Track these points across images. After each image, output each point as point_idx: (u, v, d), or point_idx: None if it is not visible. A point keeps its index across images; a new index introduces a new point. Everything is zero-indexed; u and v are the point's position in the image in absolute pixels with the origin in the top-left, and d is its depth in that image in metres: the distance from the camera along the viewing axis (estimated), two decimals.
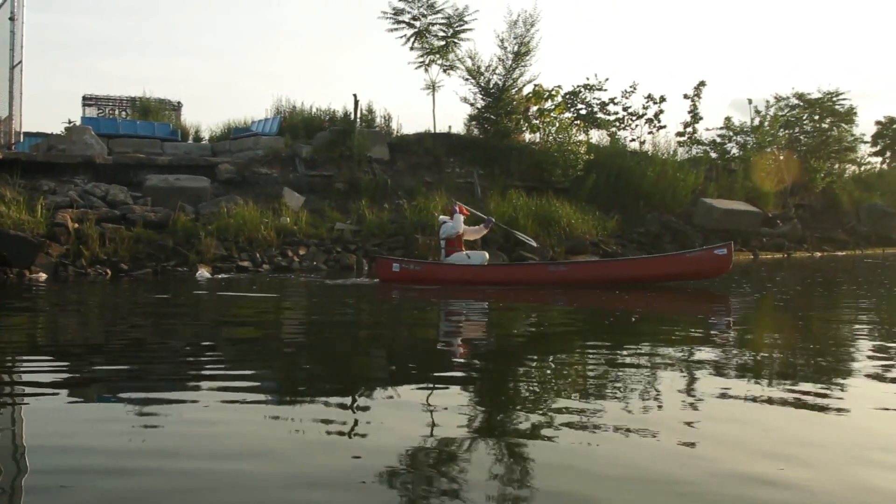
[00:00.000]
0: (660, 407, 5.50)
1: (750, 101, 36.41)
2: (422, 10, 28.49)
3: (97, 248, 17.36)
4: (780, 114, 37.53)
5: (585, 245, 22.88)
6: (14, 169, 19.86)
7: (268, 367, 7.42)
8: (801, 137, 39.13)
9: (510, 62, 28.64)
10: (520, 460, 4.39)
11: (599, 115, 33.11)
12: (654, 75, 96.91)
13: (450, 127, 29.90)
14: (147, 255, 17.92)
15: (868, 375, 6.57)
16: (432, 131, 28.70)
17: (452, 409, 5.47)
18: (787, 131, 38.11)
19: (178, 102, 31.35)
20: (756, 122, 35.71)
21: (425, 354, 8.24)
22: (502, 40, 28.66)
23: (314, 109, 28.94)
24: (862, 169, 43.56)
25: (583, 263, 18.07)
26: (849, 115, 40.19)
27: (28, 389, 6.20)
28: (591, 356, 7.84)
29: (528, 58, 28.69)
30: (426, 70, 29.39)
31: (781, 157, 35.71)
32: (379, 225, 21.71)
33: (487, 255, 16.16)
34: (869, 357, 7.56)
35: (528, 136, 29.98)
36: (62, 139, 23.75)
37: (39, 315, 11.48)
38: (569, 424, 5.04)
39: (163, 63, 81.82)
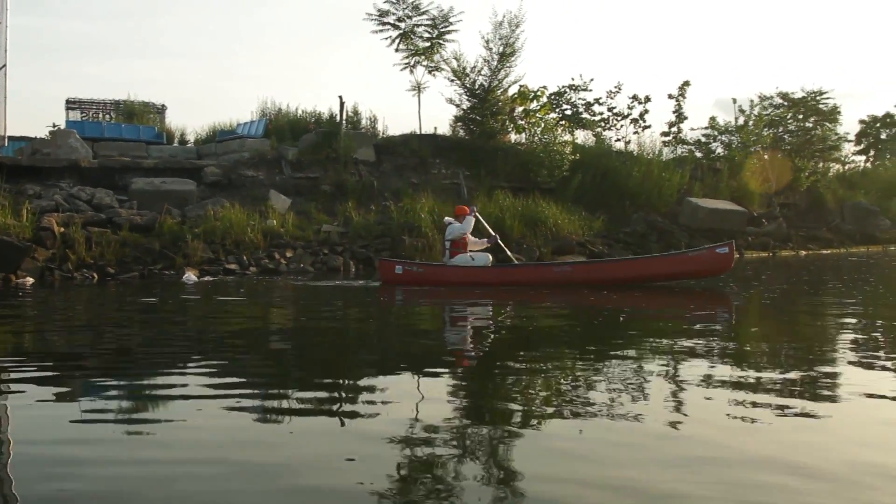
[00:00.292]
0: (648, 405, 5.52)
1: (734, 101, 36.56)
2: (407, 11, 28.59)
3: (83, 252, 17.31)
4: (764, 113, 37.69)
5: (572, 245, 22.93)
6: None
7: (259, 368, 7.42)
8: (786, 137, 39.33)
9: (495, 63, 28.72)
10: (510, 457, 4.42)
11: (584, 115, 33.24)
12: (638, 75, 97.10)
13: (435, 128, 29.99)
14: (134, 258, 17.88)
15: (855, 373, 6.62)
16: (418, 133, 28.72)
17: (443, 406, 5.49)
18: (771, 130, 38.29)
19: (163, 105, 31.21)
20: (741, 121, 35.85)
21: (417, 353, 8.25)
22: (487, 41, 28.77)
23: (300, 111, 28.95)
24: (846, 168, 43.85)
25: (587, 264, 18.15)
26: (832, 115, 40.46)
27: (14, 393, 6.19)
28: (580, 355, 7.86)
29: (513, 59, 28.82)
30: (411, 71, 29.48)
31: (766, 157, 35.88)
32: (365, 226, 21.71)
33: (490, 256, 16.14)
34: (855, 354, 7.60)
35: (513, 137, 30.06)
36: (47, 143, 23.65)
37: (26, 320, 11.44)
38: (557, 422, 5.10)
39: (147, 66, 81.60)
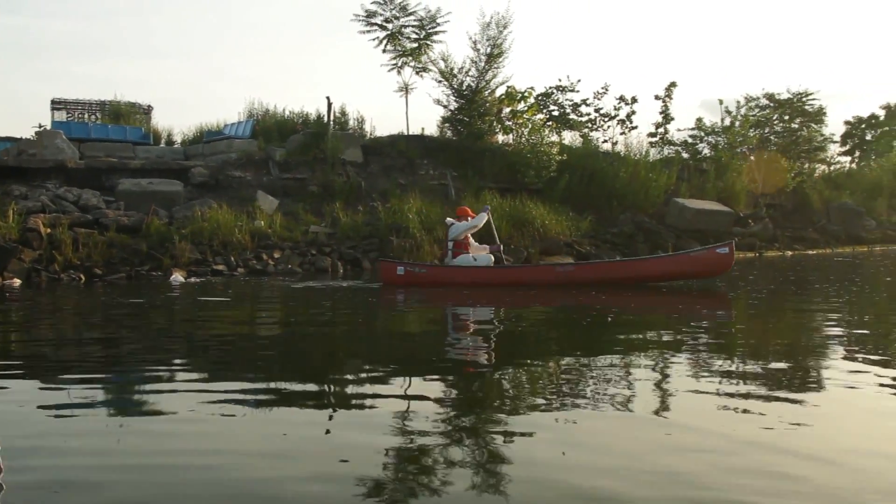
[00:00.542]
0: (638, 402, 5.55)
1: (721, 102, 36.70)
2: (394, 12, 28.54)
3: (70, 254, 17.25)
4: (750, 114, 37.83)
5: (559, 246, 22.96)
6: None
7: (254, 368, 7.42)
8: (772, 137, 39.49)
9: (483, 64, 28.73)
10: (500, 455, 4.43)
11: (572, 116, 33.34)
12: (625, 77, 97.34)
13: (423, 129, 30.01)
14: (121, 259, 17.83)
15: (841, 370, 6.65)
16: (405, 133, 28.73)
17: (433, 407, 5.51)
18: (757, 131, 38.43)
19: (149, 106, 31.05)
20: (727, 122, 35.98)
21: (410, 354, 8.26)
22: (475, 42, 28.79)
23: (287, 112, 28.94)
24: (832, 168, 44.06)
25: (590, 264, 18.25)
26: (818, 116, 40.66)
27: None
28: (570, 355, 7.88)
29: (500, 59, 28.82)
30: (399, 72, 29.46)
31: (752, 158, 36.03)
32: (353, 227, 21.71)
33: (493, 257, 16.15)
34: (841, 351, 7.64)
35: (501, 138, 30.10)
36: (33, 144, 23.54)
37: (11, 322, 11.40)
38: (548, 421, 5.10)
39: (132, 66, 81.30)
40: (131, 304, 13.04)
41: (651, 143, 34.21)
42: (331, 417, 5.42)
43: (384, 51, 29.07)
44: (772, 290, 15.19)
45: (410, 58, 28.96)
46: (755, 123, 38.30)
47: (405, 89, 29.62)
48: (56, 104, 29.92)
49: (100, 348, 8.88)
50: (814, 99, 40.62)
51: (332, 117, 26.65)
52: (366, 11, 28.51)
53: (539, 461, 4.35)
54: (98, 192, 20.63)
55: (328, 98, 26.37)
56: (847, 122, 53.16)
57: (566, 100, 33.53)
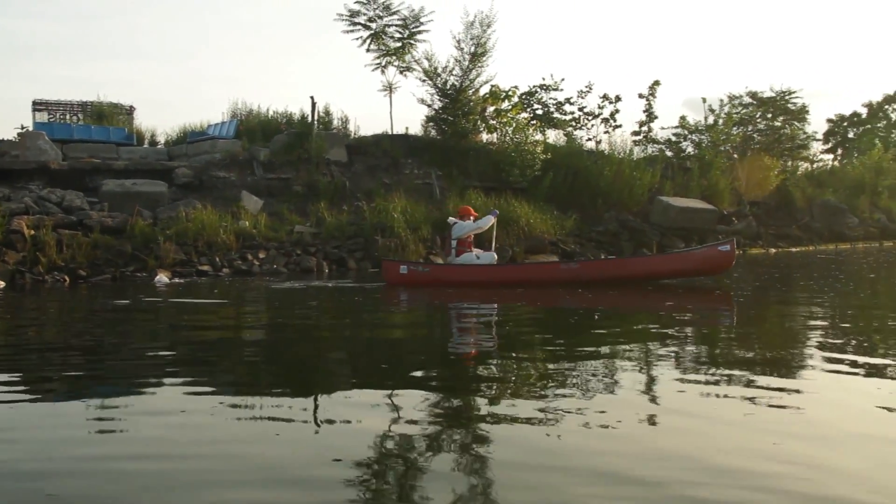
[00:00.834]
0: (622, 400, 5.58)
1: (704, 100, 36.84)
2: (378, 11, 28.47)
3: (54, 255, 17.18)
4: (733, 112, 37.96)
5: (544, 244, 23.00)
6: None
7: (248, 369, 7.41)
8: (755, 136, 39.63)
9: (467, 63, 28.66)
10: (484, 454, 4.45)
11: (556, 115, 33.38)
12: (609, 75, 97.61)
13: (407, 128, 29.95)
14: (105, 260, 17.77)
15: (825, 368, 6.70)
16: (390, 133, 28.70)
17: (420, 406, 5.53)
18: (740, 130, 38.56)
19: (131, 106, 30.88)
20: (710, 120, 36.12)
21: (395, 354, 8.26)
22: (459, 41, 28.71)
23: (271, 112, 28.82)
24: (814, 166, 44.25)
25: (594, 262, 18.44)
26: (801, 114, 40.84)
27: None
28: (556, 352, 7.90)
29: (484, 58, 28.73)
30: (383, 72, 29.39)
31: (736, 156, 36.18)
32: (338, 227, 21.68)
33: (496, 255, 16.14)
34: (826, 350, 7.69)
35: (485, 137, 30.07)
36: (15, 145, 23.43)
37: None
38: (533, 419, 5.14)
39: (114, 67, 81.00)
40: (116, 306, 12.98)
41: (635, 141, 34.33)
42: (323, 414, 5.42)
43: (368, 50, 29.02)
44: (757, 287, 15.26)
45: (394, 57, 28.89)
46: (738, 122, 38.45)
47: (389, 89, 29.58)
48: (38, 105, 29.72)
49: (85, 350, 8.85)
50: (797, 97, 40.85)
51: (316, 117, 26.58)
52: (349, 11, 28.45)
53: (529, 450, 4.38)
54: (82, 193, 20.53)
55: (312, 98, 26.34)
56: (829, 120, 53.50)
57: (550, 98, 33.62)
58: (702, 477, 3.99)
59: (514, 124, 28.61)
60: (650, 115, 34.91)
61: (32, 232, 17.56)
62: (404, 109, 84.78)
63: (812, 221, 35.06)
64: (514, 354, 8.02)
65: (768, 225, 32.80)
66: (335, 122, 28.62)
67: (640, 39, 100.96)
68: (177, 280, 17.21)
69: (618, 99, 33.75)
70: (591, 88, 33.50)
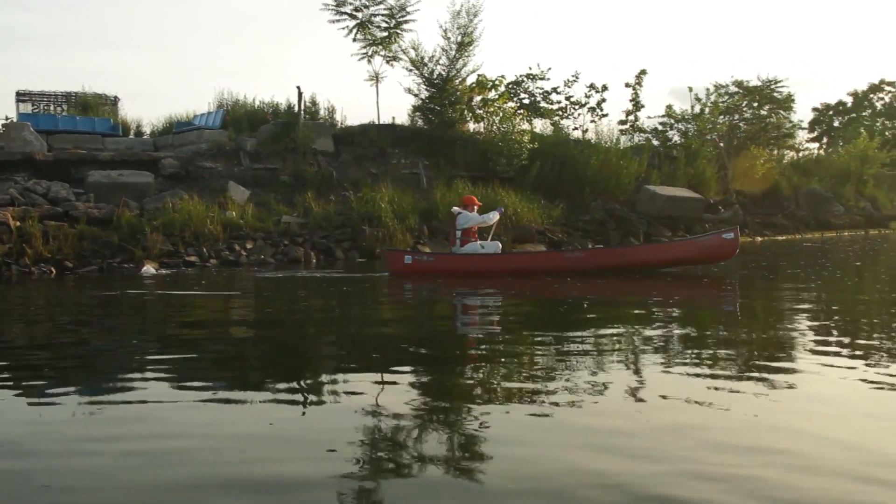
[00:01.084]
0: (612, 389, 5.61)
1: (690, 89, 36.93)
2: (364, 1, 28.39)
3: (41, 247, 17.11)
4: (720, 101, 38.07)
5: (532, 233, 23.02)
6: None
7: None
8: (741, 125, 39.75)
9: (454, 52, 28.64)
10: (475, 443, 4.47)
11: (542, 104, 33.41)
12: (595, 64, 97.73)
13: (394, 118, 29.94)
14: (92, 252, 17.71)
15: (812, 357, 6.74)
16: (377, 123, 28.67)
17: (408, 394, 5.55)
18: (726, 118, 38.67)
19: (115, 97, 30.70)
20: (696, 109, 36.21)
21: (385, 342, 8.27)
22: (446, 31, 28.68)
23: (257, 102, 28.74)
24: (800, 155, 44.44)
25: (599, 250, 18.56)
26: (787, 103, 40.96)
27: None
28: (544, 342, 7.93)
29: (471, 48, 28.72)
30: (369, 61, 29.33)
31: (722, 145, 36.29)
32: (325, 217, 21.66)
33: (500, 244, 16.13)
34: (814, 337, 7.74)
35: (472, 126, 30.07)
36: (0, 136, 23.30)
37: None
38: (521, 407, 5.16)
39: (98, 58, 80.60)
40: (103, 297, 12.95)
41: (622, 130, 34.42)
42: (320, 404, 5.43)
43: (354, 40, 28.94)
44: (744, 275, 15.32)
45: (381, 47, 28.83)
46: (724, 111, 38.54)
47: (376, 78, 29.53)
48: (21, 96, 29.54)
49: (73, 341, 8.84)
50: (782, 86, 40.95)
51: (302, 107, 26.52)
52: (335, 0, 28.37)
53: (515, 441, 4.40)
54: (67, 184, 20.44)
55: (298, 88, 26.29)
56: (815, 109, 53.81)
57: (537, 88, 33.70)
58: (680, 474, 4.01)
59: (500, 114, 28.64)
60: (637, 104, 34.99)
61: (18, 223, 17.48)
62: (391, 99, 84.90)
63: (798, 210, 35.23)
64: (509, 340, 8.05)
65: (754, 214, 32.94)
66: (322, 112, 28.57)
67: (627, 28, 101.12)
68: (164, 271, 17.16)
69: (604, 88, 33.85)
70: (577, 78, 33.61)
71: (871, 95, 53.74)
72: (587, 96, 33.79)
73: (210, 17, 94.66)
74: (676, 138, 35.40)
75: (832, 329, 8.23)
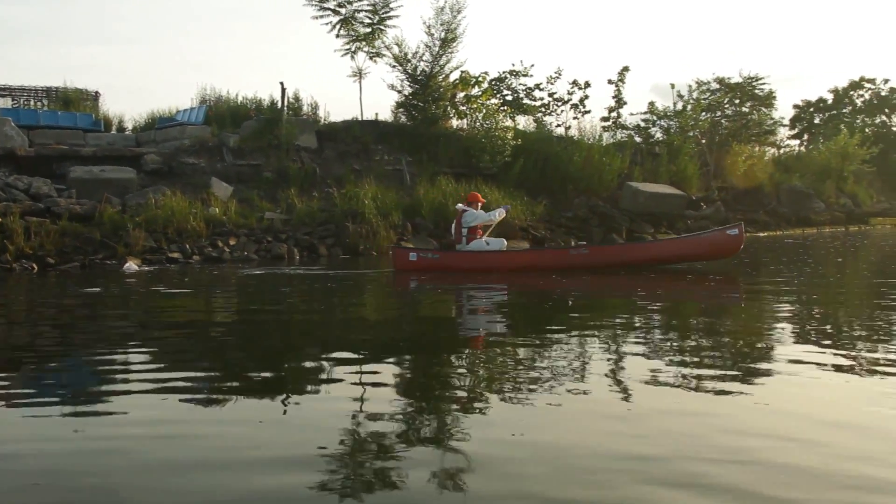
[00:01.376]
0: (594, 387, 5.64)
1: (672, 86, 37.10)
2: None
3: (22, 243, 17.00)
4: (702, 98, 38.21)
5: (515, 230, 23.03)
6: None
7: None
8: (723, 121, 39.93)
9: (437, 49, 28.66)
10: (456, 439, 4.49)
11: (525, 100, 33.45)
12: (578, 61, 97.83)
13: (377, 114, 29.90)
14: (74, 248, 17.60)
15: (795, 356, 6.78)
16: (360, 119, 28.63)
17: (389, 391, 5.57)
18: (708, 115, 38.84)
19: (96, 92, 30.51)
20: (679, 106, 36.33)
21: (367, 338, 8.28)
22: (429, 27, 28.68)
23: (240, 98, 28.65)
24: (781, 151, 44.67)
25: (603, 248, 18.58)
26: (768, 99, 41.20)
27: None
28: (538, 337, 7.97)
29: (454, 44, 28.75)
30: (353, 57, 29.34)
31: (704, 141, 36.44)
32: (309, 213, 21.62)
33: (506, 241, 16.15)
34: (798, 336, 7.79)
35: (455, 123, 30.10)
36: None
37: None
38: (501, 404, 5.19)
39: (79, 52, 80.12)
40: (85, 294, 12.90)
41: (604, 127, 34.59)
42: (278, 406, 5.44)
43: (338, 36, 28.94)
44: (727, 271, 15.39)
45: (364, 43, 28.83)
46: (706, 107, 38.70)
47: (359, 74, 29.53)
48: (1, 91, 29.38)
49: (55, 339, 8.83)
50: (764, 83, 41.19)
51: (285, 103, 26.46)
52: None
53: (496, 442, 4.42)
54: (49, 180, 20.31)
55: (282, 83, 26.23)
56: (796, 106, 54.02)
57: (520, 84, 33.70)
58: (653, 468, 4.05)
59: (483, 110, 28.67)
60: (619, 101, 35.14)
61: (0, 219, 17.37)
62: (375, 95, 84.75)
63: (779, 206, 35.42)
64: (503, 337, 8.08)
65: (736, 210, 33.08)
66: (305, 108, 28.55)
67: (610, 25, 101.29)
68: (146, 267, 17.10)
69: (587, 85, 33.93)
70: (560, 74, 33.67)
71: (852, 92, 54.05)
72: (570, 93, 33.90)
73: (193, 12, 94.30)
74: (659, 135, 35.59)
75: (819, 330, 8.27)
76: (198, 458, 4.27)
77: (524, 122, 32.41)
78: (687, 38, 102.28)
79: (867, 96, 53.88)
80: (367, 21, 28.73)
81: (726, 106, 40.59)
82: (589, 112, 34.10)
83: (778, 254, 20.20)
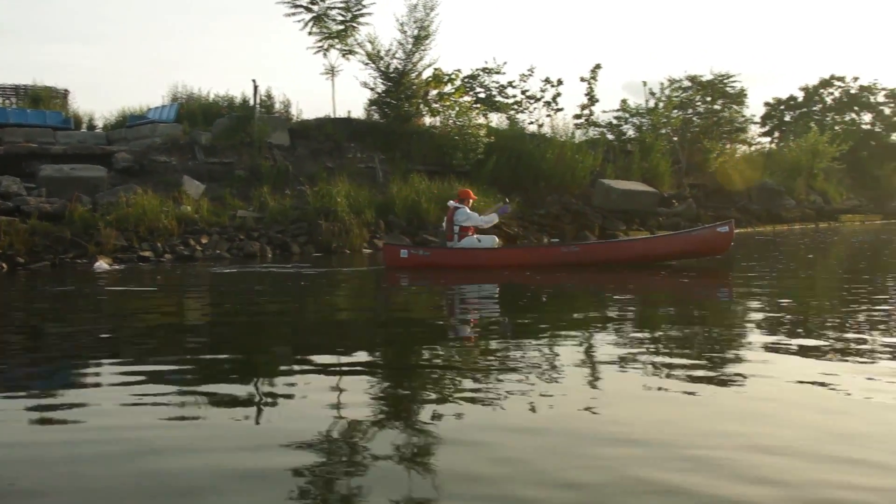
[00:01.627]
0: (569, 381, 5.66)
1: (644, 84, 37.25)
2: None
3: None
4: (673, 96, 38.42)
5: (488, 227, 23.02)
6: None
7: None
8: (695, 119, 40.17)
9: (410, 46, 28.65)
10: (428, 439, 4.49)
11: (498, 98, 33.54)
12: (550, 59, 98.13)
13: (349, 112, 29.89)
14: (44, 247, 17.46)
15: (769, 348, 6.84)
16: (332, 116, 28.60)
17: (364, 391, 5.57)
18: (680, 113, 39.05)
19: (65, 90, 30.31)
20: (651, 104, 36.51)
21: (345, 336, 8.28)
22: (402, 24, 28.67)
23: (212, 96, 28.56)
24: (752, 149, 44.99)
25: (594, 244, 18.59)
26: (739, 97, 41.48)
27: None
28: (500, 335, 7.99)
29: (427, 42, 28.76)
30: (325, 55, 29.27)
31: (676, 139, 36.65)
32: (281, 211, 21.55)
33: (497, 238, 16.18)
34: (770, 330, 7.85)
35: (428, 121, 30.10)
36: None
37: None
38: (476, 403, 5.20)
39: (47, 50, 79.42)
40: (56, 293, 12.83)
41: (577, 124, 34.74)
42: (253, 407, 5.43)
43: (310, 33, 28.88)
44: (700, 269, 15.48)
45: (336, 40, 28.77)
46: (678, 105, 38.91)
47: (332, 72, 29.49)
48: None
49: (24, 338, 8.75)
50: (735, 81, 41.48)
51: (258, 101, 26.39)
52: None
53: (470, 440, 4.43)
54: (18, 178, 20.13)
55: (254, 81, 26.16)
56: (767, 104, 54.39)
57: (493, 82, 33.80)
58: (641, 455, 4.08)
59: (456, 108, 28.67)
60: (591, 99, 35.31)
61: None
62: (347, 93, 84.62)
63: (750, 203, 35.67)
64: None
65: (707, 207, 33.25)
66: (277, 106, 28.46)
67: (582, 23, 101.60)
68: (117, 266, 16.99)
69: (559, 82, 34.08)
70: (532, 72, 33.79)
71: (822, 90, 54.45)
72: (542, 90, 34.04)
73: (163, 8, 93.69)
74: (631, 132, 35.76)
75: (790, 324, 8.34)
76: (162, 459, 4.25)
77: (497, 119, 32.52)
78: (659, 37, 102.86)
79: (837, 94, 54.30)
80: (340, 18, 28.70)
81: (698, 103, 40.84)
82: (562, 109, 34.33)
83: (750, 251, 20.34)
